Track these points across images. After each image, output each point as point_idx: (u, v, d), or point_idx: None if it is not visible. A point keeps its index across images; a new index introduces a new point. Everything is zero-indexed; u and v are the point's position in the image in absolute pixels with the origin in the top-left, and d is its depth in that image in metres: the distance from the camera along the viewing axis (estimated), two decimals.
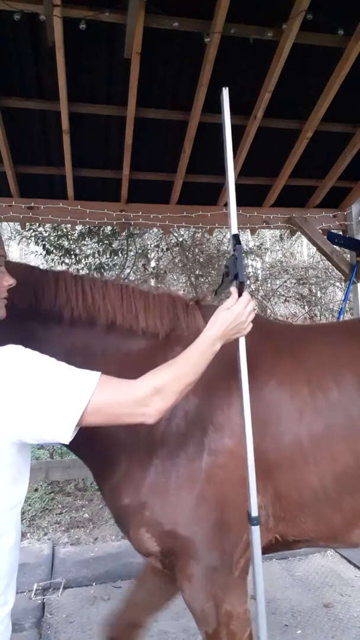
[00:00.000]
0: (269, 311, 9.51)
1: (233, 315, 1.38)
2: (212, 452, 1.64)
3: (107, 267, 8.23)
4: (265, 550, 1.78)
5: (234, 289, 1.42)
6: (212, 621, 1.63)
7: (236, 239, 1.42)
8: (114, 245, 8.23)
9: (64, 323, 1.72)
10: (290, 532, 1.74)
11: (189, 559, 1.63)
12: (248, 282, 9.94)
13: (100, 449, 1.70)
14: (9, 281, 1.42)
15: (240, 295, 1.41)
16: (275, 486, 1.68)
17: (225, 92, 1.47)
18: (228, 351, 1.46)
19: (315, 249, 6.45)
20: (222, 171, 1.50)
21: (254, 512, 1.42)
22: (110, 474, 1.71)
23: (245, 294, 1.41)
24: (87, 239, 8.25)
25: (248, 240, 10.80)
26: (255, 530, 1.42)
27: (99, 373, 1.26)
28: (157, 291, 1.89)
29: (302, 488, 1.69)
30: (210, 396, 1.69)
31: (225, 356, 1.45)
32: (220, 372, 1.61)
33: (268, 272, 10.82)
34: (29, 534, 4.53)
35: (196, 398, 1.68)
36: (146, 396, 1.27)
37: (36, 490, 5.40)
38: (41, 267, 1.83)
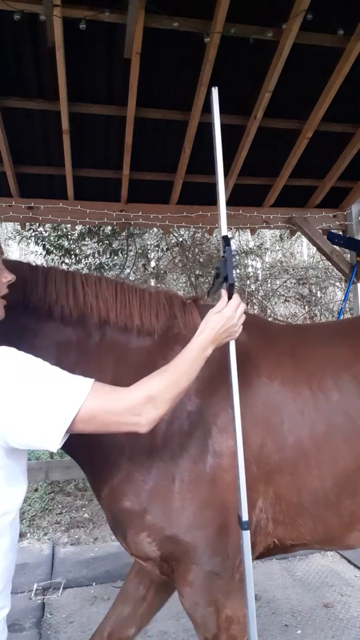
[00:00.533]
0: (269, 311, 9.51)
1: (224, 318, 1.36)
2: (216, 454, 1.61)
3: (107, 267, 8.23)
4: (263, 554, 1.77)
5: (224, 292, 1.40)
6: (212, 627, 1.61)
7: (226, 240, 1.41)
8: (114, 245, 8.23)
9: (56, 320, 1.69)
10: (288, 535, 1.72)
11: (190, 564, 1.60)
12: (248, 282, 9.97)
13: (99, 450, 1.66)
14: (8, 277, 1.39)
15: (230, 297, 1.39)
16: (276, 489, 1.67)
17: (215, 91, 1.45)
18: (228, 352, 1.45)
19: (315, 249, 6.45)
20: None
21: (245, 517, 1.40)
22: (110, 476, 1.66)
23: (236, 297, 1.39)
24: (87, 239, 8.25)
25: (248, 240, 10.81)
26: (246, 535, 1.39)
27: (92, 380, 1.24)
28: (154, 289, 1.86)
29: (303, 491, 1.67)
30: (214, 398, 1.66)
31: (228, 357, 1.45)
32: (222, 374, 1.58)
33: (268, 272, 10.82)
34: (29, 534, 4.53)
35: (199, 400, 1.65)
36: (138, 404, 1.24)
37: (36, 490, 5.40)
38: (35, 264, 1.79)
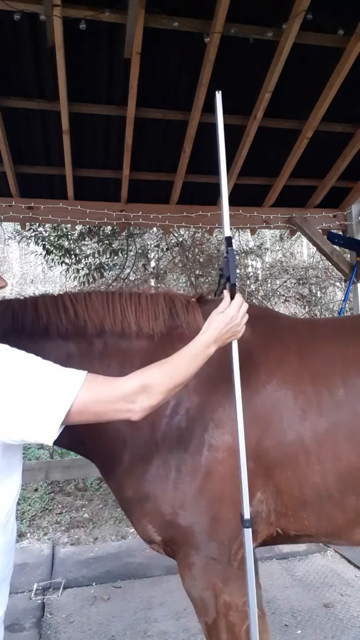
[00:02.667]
0: None
1: (227, 318, 1.39)
2: (212, 448, 1.67)
3: (107, 267, 8.22)
4: (267, 542, 1.82)
5: (226, 292, 1.43)
6: (211, 611, 1.67)
7: (228, 241, 1.43)
8: (114, 245, 8.21)
9: (53, 338, 1.77)
10: (292, 527, 1.76)
11: (189, 548, 1.68)
12: (248, 282, 9.96)
13: (103, 444, 1.76)
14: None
15: (232, 298, 1.42)
16: (276, 483, 1.70)
17: (219, 95, 1.47)
18: (230, 350, 1.47)
19: (315, 249, 6.44)
20: None
21: (247, 515, 1.43)
22: (114, 468, 1.77)
23: (238, 297, 1.42)
24: (87, 239, 8.24)
25: (248, 240, 10.80)
26: (248, 533, 1.42)
27: (85, 372, 1.26)
28: (154, 291, 1.90)
29: (304, 486, 1.70)
30: (212, 393, 1.71)
31: (227, 355, 1.47)
32: (221, 370, 1.62)
33: (268, 272, 10.80)
34: (29, 534, 4.53)
35: (197, 395, 1.71)
36: (133, 393, 1.27)
37: (36, 490, 5.40)
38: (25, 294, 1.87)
